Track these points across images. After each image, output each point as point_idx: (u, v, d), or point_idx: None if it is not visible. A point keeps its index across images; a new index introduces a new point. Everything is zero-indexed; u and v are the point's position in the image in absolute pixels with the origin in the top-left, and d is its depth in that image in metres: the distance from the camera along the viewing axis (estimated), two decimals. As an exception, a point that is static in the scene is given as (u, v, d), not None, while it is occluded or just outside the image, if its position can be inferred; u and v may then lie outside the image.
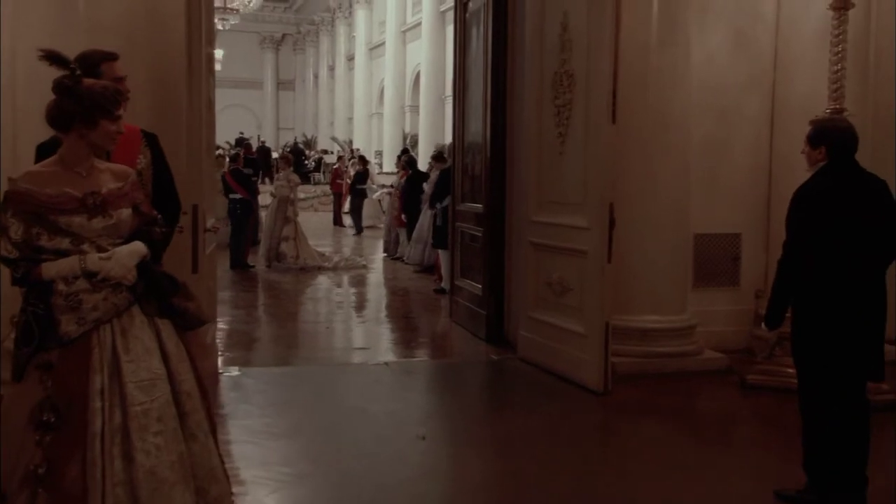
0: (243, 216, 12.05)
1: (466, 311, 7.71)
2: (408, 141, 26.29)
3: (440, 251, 10.23)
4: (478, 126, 7.44)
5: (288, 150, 29.33)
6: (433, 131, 24.42)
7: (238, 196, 12.07)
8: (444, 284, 10.05)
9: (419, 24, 25.76)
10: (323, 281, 11.35)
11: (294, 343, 7.36)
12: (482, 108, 7.28)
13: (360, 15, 32.36)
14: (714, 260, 6.95)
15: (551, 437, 4.87)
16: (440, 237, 10.13)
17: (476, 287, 7.47)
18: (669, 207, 6.22)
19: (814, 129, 3.97)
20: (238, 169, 12.33)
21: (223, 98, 39.59)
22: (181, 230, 4.04)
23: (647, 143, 6.11)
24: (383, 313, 9.08)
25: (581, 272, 5.76)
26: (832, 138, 3.86)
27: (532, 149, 6.34)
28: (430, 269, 11.31)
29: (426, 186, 11.46)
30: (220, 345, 6.99)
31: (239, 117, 38.34)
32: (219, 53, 31.25)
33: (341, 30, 35.56)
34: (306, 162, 28.04)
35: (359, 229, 18.10)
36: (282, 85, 42.21)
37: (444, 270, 10.08)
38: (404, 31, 28.09)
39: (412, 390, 5.86)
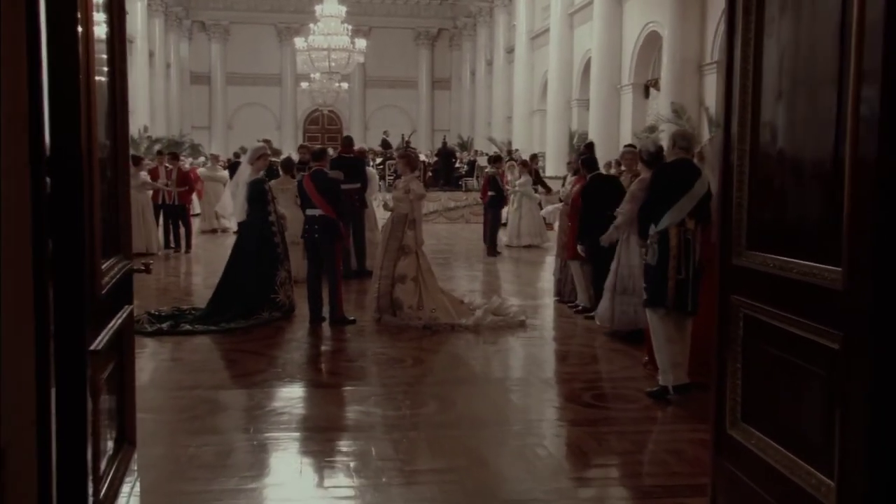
0: (325, 242, 7.76)
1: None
2: (575, 140, 21.89)
3: (648, 310, 5.72)
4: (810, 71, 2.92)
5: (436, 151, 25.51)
6: (606, 128, 20.36)
7: (318, 212, 7.83)
8: (663, 379, 5.56)
9: (590, 2, 21.47)
10: (454, 354, 6.91)
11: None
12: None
13: (522, 0, 28.22)
14: None
15: None
16: (656, 286, 5.62)
17: (803, 470, 2.93)
18: None
19: None
20: (321, 171, 7.89)
21: (377, 99, 37.78)
22: None
23: None
24: (551, 467, 4.44)
25: None
26: None
27: None
28: (636, 333, 6.77)
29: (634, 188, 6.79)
30: None
31: (393, 118, 37.46)
32: (361, 44, 28.02)
33: (500, 19, 32.41)
34: (457, 165, 24.07)
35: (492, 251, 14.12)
36: (437, 84, 39.81)
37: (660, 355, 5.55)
38: (571, 14, 24.30)
39: None
